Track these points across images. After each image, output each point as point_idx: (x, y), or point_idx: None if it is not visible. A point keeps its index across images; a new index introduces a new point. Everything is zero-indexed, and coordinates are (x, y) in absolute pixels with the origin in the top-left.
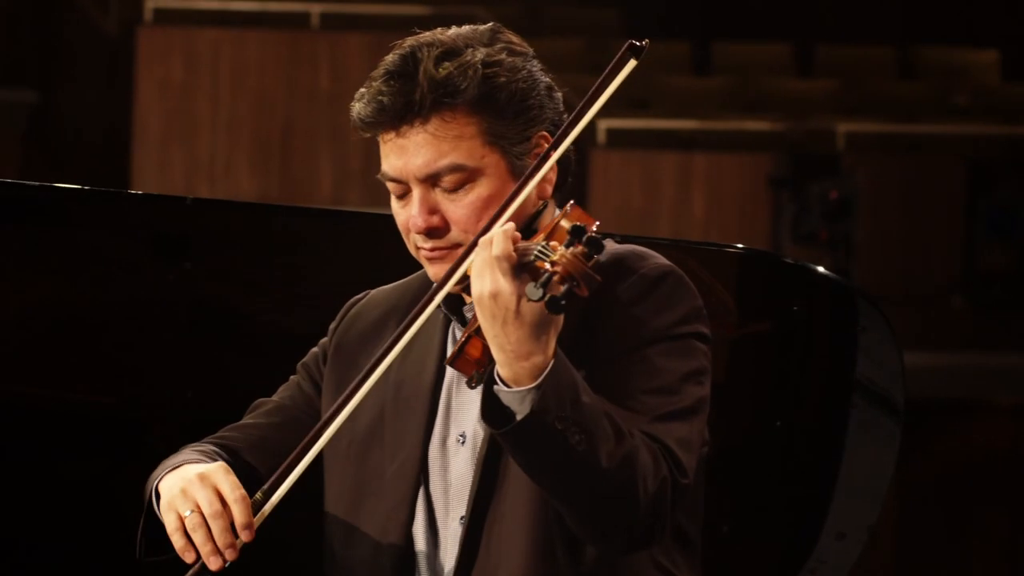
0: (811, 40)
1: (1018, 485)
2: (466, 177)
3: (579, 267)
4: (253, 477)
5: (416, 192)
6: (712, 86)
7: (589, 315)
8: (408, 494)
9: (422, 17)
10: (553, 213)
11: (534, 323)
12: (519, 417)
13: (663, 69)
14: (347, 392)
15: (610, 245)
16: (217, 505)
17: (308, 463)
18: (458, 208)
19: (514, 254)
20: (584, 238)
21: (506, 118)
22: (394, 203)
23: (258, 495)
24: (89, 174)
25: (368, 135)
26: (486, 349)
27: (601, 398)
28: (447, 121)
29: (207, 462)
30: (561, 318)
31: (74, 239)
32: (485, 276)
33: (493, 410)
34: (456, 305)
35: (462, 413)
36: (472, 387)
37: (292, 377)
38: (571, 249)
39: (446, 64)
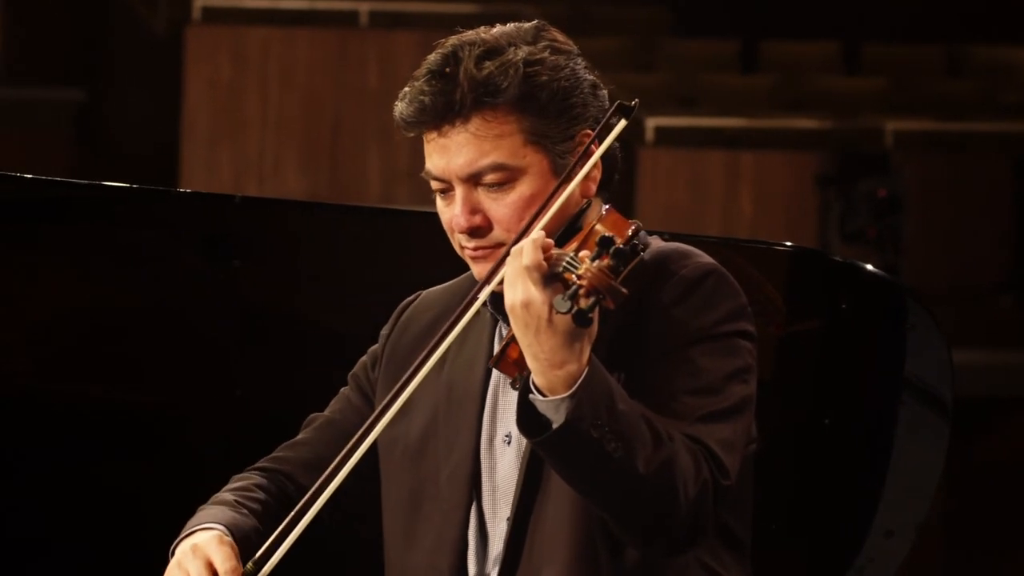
0: (859, 38)
1: None
2: (508, 176)
3: (604, 281)
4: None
5: (459, 191)
6: (760, 84)
7: (632, 315)
8: (463, 496)
9: (470, 15)
10: (598, 211)
11: (567, 332)
12: (555, 426)
13: (711, 67)
14: (383, 404)
15: (655, 243)
16: None
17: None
18: (500, 207)
19: (544, 264)
20: (611, 250)
21: (548, 117)
22: (438, 202)
23: (249, 565)
24: (137, 173)
25: (411, 134)
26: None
27: (639, 402)
28: (488, 120)
29: (212, 530)
30: (595, 327)
31: (123, 238)
32: (517, 286)
33: (529, 419)
34: (502, 304)
35: (508, 414)
36: (516, 388)
37: (343, 389)
38: (597, 263)
39: (487, 63)
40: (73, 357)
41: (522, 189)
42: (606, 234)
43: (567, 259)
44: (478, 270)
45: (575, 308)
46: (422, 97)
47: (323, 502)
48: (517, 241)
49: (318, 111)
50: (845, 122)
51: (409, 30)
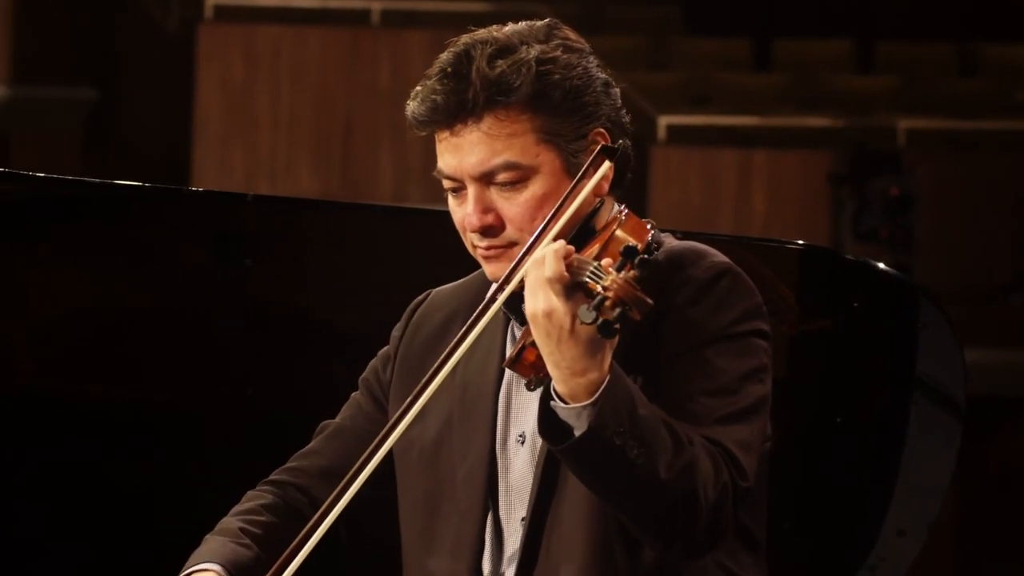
0: (872, 37)
1: None
2: (520, 175)
3: (631, 293)
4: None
5: (471, 190)
6: (773, 83)
7: (647, 317)
8: (480, 497)
9: (482, 14)
10: (611, 210)
11: (589, 341)
12: (577, 433)
13: (724, 66)
14: (398, 413)
15: (668, 241)
16: None
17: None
18: (513, 206)
19: (566, 274)
20: (636, 260)
21: (561, 115)
22: (451, 201)
23: None
24: (149, 172)
25: (423, 133)
26: (542, 357)
27: (658, 407)
28: (501, 119)
29: (209, 571)
30: (617, 336)
31: (134, 237)
32: (539, 295)
33: (551, 426)
34: (515, 303)
35: (521, 413)
36: (531, 390)
37: (354, 394)
38: (623, 274)
39: (499, 62)
40: (84, 356)
41: (535, 188)
42: (630, 243)
43: (591, 269)
44: (491, 270)
45: (600, 319)
46: (434, 96)
47: (339, 512)
48: (531, 247)
49: (330, 110)
50: (858, 121)
51: (421, 29)
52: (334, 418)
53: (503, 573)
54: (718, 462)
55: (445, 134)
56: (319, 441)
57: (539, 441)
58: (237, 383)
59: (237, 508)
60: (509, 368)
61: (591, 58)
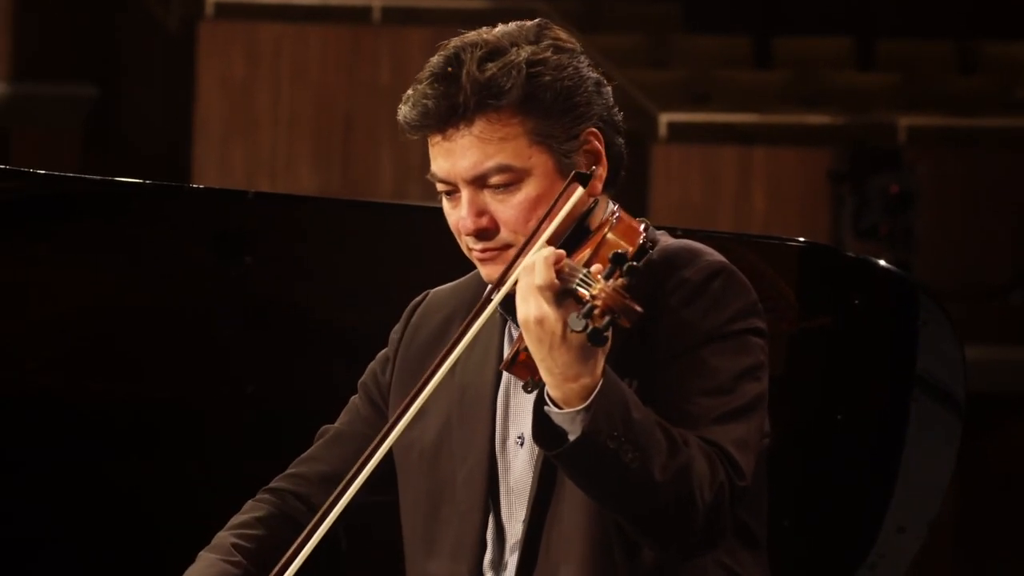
0: (872, 34)
1: None
2: (513, 177)
3: (619, 301)
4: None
5: (464, 194)
6: (773, 80)
7: (640, 321)
8: (480, 498)
9: (483, 11)
10: (605, 209)
11: (581, 347)
12: (571, 438)
13: (724, 63)
14: (395, 415)
15: (663, 240)
16: None
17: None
18: (507, 209)
19: (557, 281)
20: (625, 267)
21: (552, 117)
22: (445, 204)
23: None
24: (150, 169)
25: (415, 137)
26: None
27: (654, 409)
28: (492, 123)
29: None
30: (609, 342)
31: (134, 234)
32: (530, 302)
33: (545, 431)
34: (511, 304)
35: (520, 415)
36: (528, 391)
37: (353, 398)
38: (611, 282)
39: (489, 65)
40: (84, 354)
41: (528, 190)
42: (618, 249)
43: (580, 276)
44: (487, 272)
45: (590, 327)
46: (425, 101)
47: (337, 515)
48: (523, 249)
49: (330, 107)
50: (858, 118)
51: (421, 26)
52: (334, 417)
53: (504, 574)
54: (714, 462)
55: (437, 138)
56: (318, 447)
57: None
58: (237, 381)
59: (233, 520)
60: (506, 370)
61: (582, 58)
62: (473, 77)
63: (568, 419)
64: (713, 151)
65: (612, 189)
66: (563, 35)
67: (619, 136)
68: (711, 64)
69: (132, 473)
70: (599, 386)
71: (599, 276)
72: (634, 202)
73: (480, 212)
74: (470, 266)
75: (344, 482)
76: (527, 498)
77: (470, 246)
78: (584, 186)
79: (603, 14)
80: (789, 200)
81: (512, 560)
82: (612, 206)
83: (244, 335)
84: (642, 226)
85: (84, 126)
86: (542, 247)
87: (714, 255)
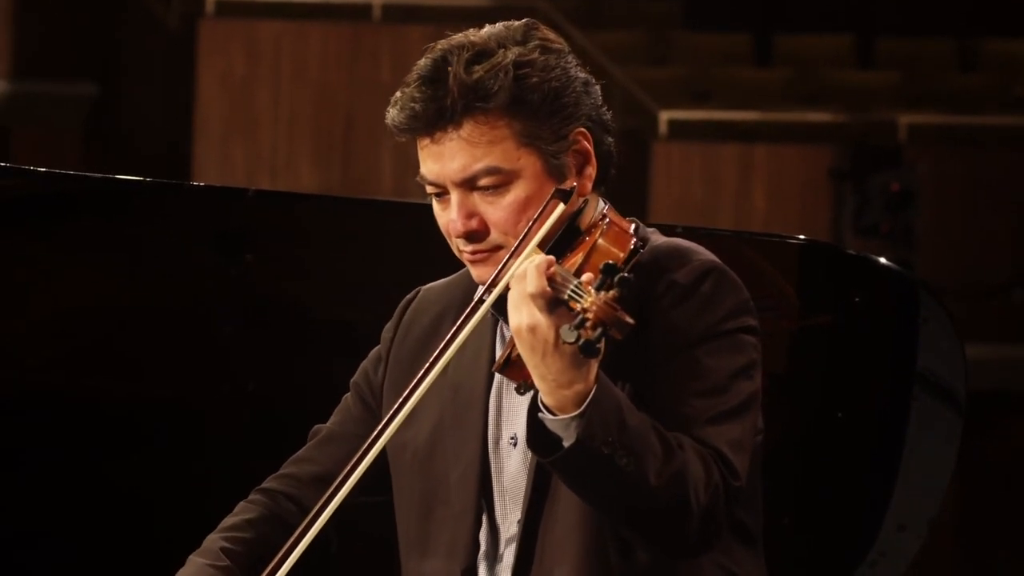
0: (872, 32)
1: None
2: (502, 179)
3: (611, 314)
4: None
5: (454, 196)
6: (773, 78)
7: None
8: (473, 499)
9: (484, 9)
10: (596, 208)
11: (573, 354)
12: (566, 444)
13: (724, 61)
14: (387, 418)
15: (654, 239)
16: None
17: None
18: (496, 210)
19: (549, 289)
20: (616, 279)
21: (540, 118)
22: (435, 206)
23: None
24: (150, 167)
25: (404, 139)
26: None
27: (645, 415)
28: (480, 125)
29: None
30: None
31: (134, 232)
32: (522, 310)
33: (539, 437)
34: (503, 305)
35: (513, 415)
36: (521, 393)
37: (345, 396)
38: (603, 294)
39: (476, 68)
40: (84, 352)
41: (517, 192)
42: (610, 259)
43: (572, 286)
44: (477, 273)
45: (582, 340)
46: (413, 104)
47: (328, 516)
48: (513, 253)
49: (331, 105)
50: (858, 116)
51: (422, 24)
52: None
53: (498, 575)
54: (709, 464)
55: (426, 141)
56: (310, 447)
57: None
58: (237, 379)
59: (223, 523)
60: (498, 372)
61: (570, 57)
62: (460, 80)
63: (562, 426)
64: (713, 149)
65: (602, 188)
66: (551, 35)
67: (608, 135)
68: (712, 62)
69: (132, 472)
70: (593, 392)
71: (591, 287)
72: (634, 200)
73: (470, 214)
74: None
75: (335, 484)
76: (521, 498)
77: (460, 248)
78: (565, 203)
79: (604, 11)
80: (790, 198)
81: (507, 561)
82: (602, 205)
83: (245, 333)
84: (632, 227)
85: (84, 125)
86: (533, 253)
87: (704, 254)
